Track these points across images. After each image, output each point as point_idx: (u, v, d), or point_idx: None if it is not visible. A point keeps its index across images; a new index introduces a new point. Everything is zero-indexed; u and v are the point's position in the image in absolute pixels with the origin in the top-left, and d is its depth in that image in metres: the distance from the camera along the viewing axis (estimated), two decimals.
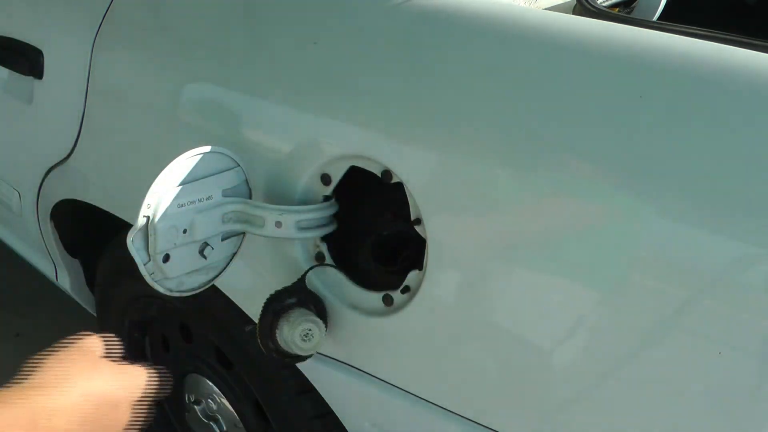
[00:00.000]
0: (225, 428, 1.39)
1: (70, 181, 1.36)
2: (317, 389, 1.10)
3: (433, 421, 0.94)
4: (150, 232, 0.85)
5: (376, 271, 0.99)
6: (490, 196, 0.82)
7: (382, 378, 0.99)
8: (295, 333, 0.91)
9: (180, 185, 0.87)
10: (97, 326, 1.59)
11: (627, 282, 0.75)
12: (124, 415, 0.68)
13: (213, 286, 0.98)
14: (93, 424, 0.64)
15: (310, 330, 0.91)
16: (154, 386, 0.72)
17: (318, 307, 0.97)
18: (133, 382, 0.70)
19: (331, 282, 0.99)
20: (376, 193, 0.96)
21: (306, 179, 0.95)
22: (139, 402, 0.70)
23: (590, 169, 0.77)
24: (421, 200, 0.86)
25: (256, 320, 1.10)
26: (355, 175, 0.93)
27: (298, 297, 0.95)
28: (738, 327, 0.70)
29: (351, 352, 0.99)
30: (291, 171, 0.96)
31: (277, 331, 0.92)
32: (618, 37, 0.82)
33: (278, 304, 0.91)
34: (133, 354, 1.54)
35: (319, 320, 0.93)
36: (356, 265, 0.99)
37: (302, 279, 0.96)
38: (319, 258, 0.99)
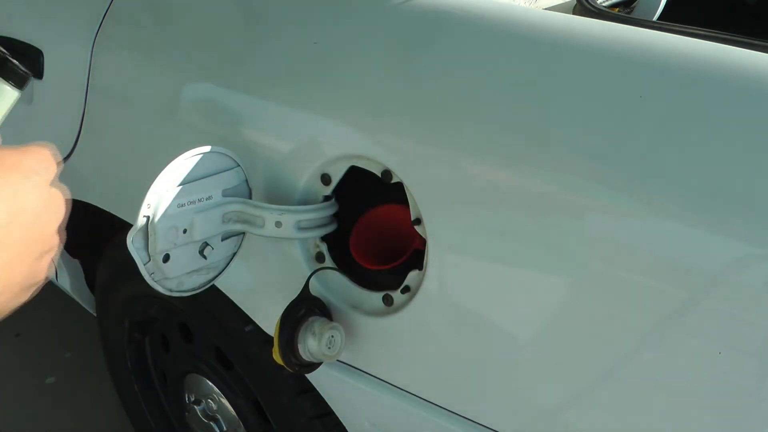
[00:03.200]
0: (225, 428, 1.39)
1: (69, 181, 1.36)
2: (317, 389, 1.10)
3: (433, 421, 0.94)
4: (150, 232, 0.85)
5: (377, 271, 0.99)
6: (490, 196, 0.82)
7: (382, 378, 0.99)
8: (322, 343, 0.92)
9: (180, 185, 0.87)
10: (98, 326, 1.59)
11: (627, 282, 0.75)
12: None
13: (213, 286, 0.98)
14: None
15: (332, 337, 0.93)
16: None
17: (323, 311, 0.97)
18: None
19: (331, 283, 0.99)
20: (376, 193, 0.96)
21: (306, 179, 0.95)
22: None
23: (590, 169, 0.77)
24: (421, 200, 0.86)
25: (257, 320, 1.11)
26: (355, 175, 0.93)
27: (306, 306, 0.95)
28: (738, 327, 0.70)
29: (351, 352, 0.99)
30: (291, 171, 0.96)
31: (300, 345, 0.93)
32: (618, 37, 0.82)
33: (293, 320, 0.92)
34: (133, 354, 1.55)
35: (338, 325, 0.95)
36: (356, 265, 0.99)
37: (306, 287, 0.96)
38: (319, 258, 0.99)
